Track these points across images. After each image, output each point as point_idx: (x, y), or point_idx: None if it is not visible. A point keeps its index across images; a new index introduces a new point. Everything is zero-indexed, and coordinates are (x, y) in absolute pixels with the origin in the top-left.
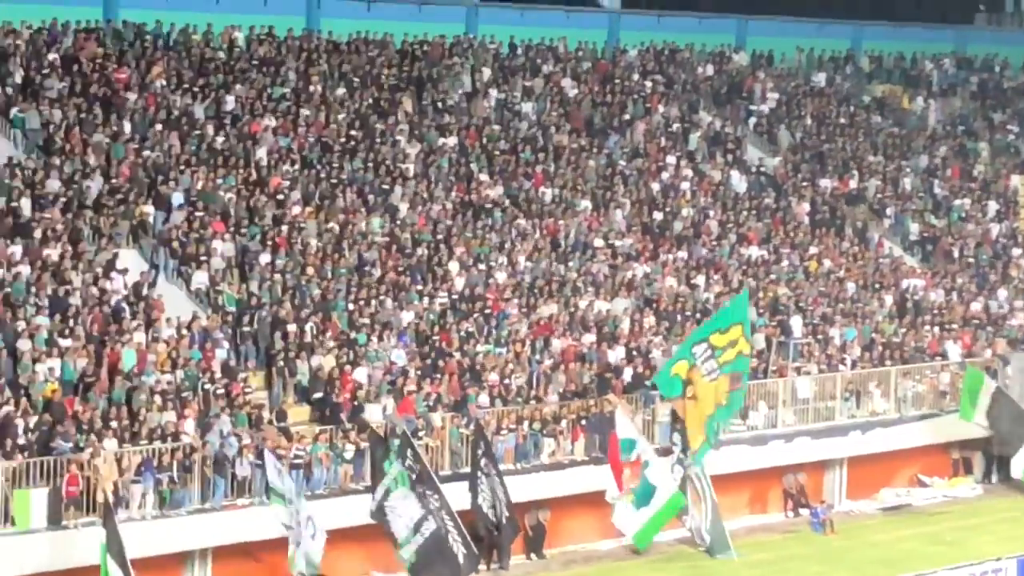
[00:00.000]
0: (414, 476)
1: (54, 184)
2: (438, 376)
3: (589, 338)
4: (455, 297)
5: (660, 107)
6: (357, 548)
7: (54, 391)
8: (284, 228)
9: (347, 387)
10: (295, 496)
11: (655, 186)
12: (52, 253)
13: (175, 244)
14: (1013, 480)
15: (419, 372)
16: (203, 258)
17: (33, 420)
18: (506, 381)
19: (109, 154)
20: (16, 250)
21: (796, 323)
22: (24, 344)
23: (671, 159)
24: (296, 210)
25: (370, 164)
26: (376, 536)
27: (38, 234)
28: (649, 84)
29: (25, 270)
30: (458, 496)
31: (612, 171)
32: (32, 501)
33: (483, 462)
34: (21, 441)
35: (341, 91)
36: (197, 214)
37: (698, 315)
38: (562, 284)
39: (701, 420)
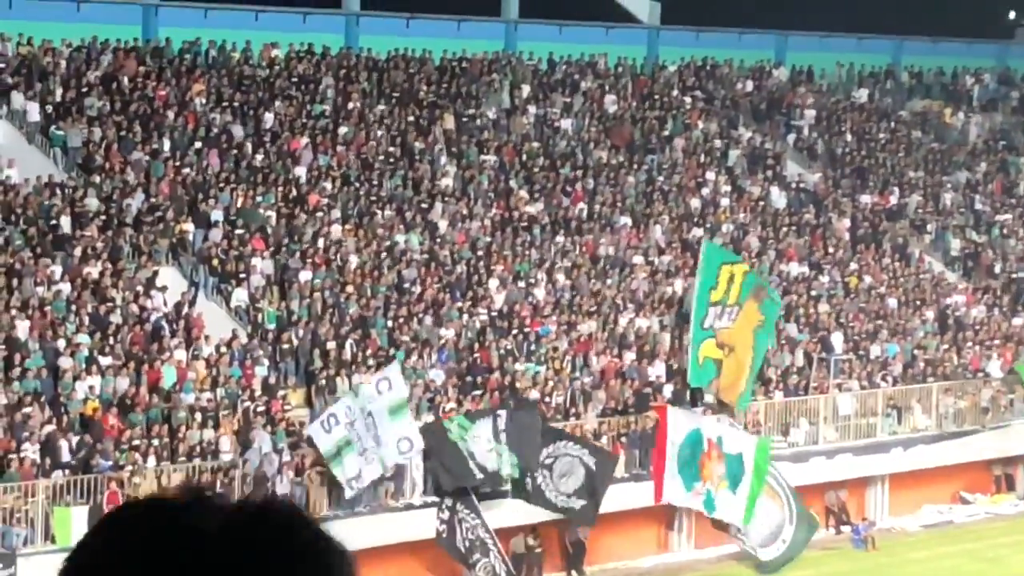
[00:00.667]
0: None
1: (93, 202)
2: (477, 393)
3: (629, 355)
4: (494, 315)
5: (699, 123)
6: (398, 566)
7: (94, 409)
8: (323, 245)
9: None
10: (360, 432)
11: (694, 202)
12: (92, 271)
13: (215, 262)
14: None
15: (457, 389)
16: (242, 276)
17: (74, 438)
18: (546, 399)
19: (148, 172)
20: (56, 268)
21: (837, 339)
22: (65, 362)
23: (710, 175)
24: (335, 228)
25: (409, 181)
26: (420, 551)
27: (78, 252)
28: (688, 100)
29: (65, 288)
30: (499, 513)
31: (651, 187)
32: (73, 519)
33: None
34: (62, 459)
35: (380, 108)
36: (236, 232)
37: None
38: (601, 301)
39: (740, 370)
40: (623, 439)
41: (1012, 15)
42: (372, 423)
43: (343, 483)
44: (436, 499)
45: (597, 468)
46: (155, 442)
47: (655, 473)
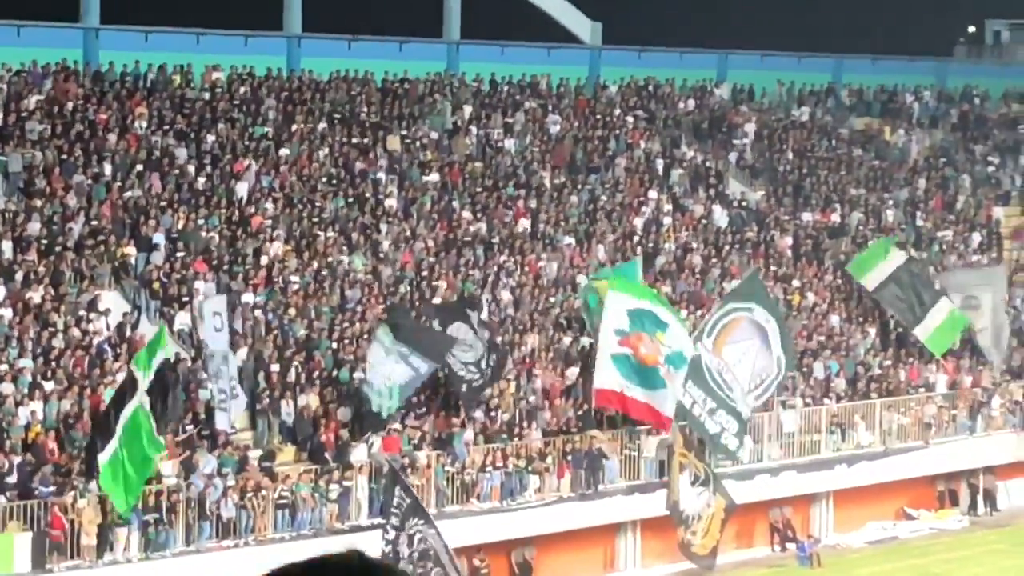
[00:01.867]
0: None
1: (35, 226)
2: (421, 412)
3: (573, 372)
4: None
5: (642, 142)
6: None
7: (37, 434)
8: (266, 267)
9: (331, 427)
10: None
11: (637, 221)
12: (34, 295)
13: (156, 285)
14: (999, 511)
15: (403, 410)
16: (185, 298)
17: (15, 463)
18: (491, 416)
19: (90, 195)
20: None
21: None
22: (7, 387)
23: (653, 194)
24: (278, 248)
25: (353, 202)
26: None
27: (20, 276)
28: (630, 119)
29: (7, 313)
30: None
31: (594, 206)
32: (16, 545)
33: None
34: (4, 484)
35: (323, 129)
36: (179, 254)
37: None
38: (545, 320)
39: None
40: (568, 459)
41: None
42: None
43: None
44: (382, 520)
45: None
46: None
47: (648, 418)
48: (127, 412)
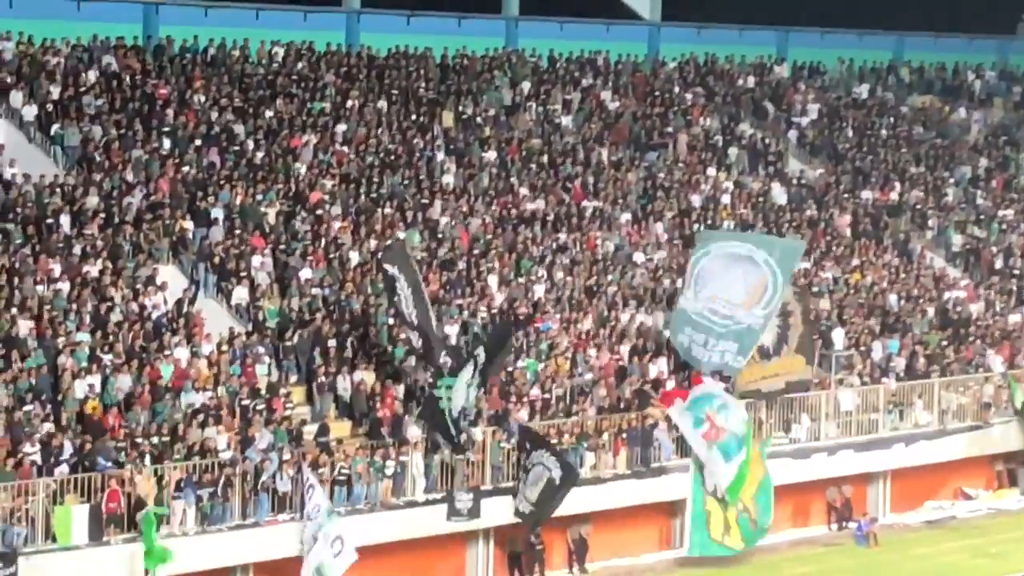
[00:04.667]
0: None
1: (93, 200)
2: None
3: (628, 351)
4: (495, 311)
5: (700, 119)
6: (399, 563)
7: (94, 408)
8: (323, 243)
9: (387, 402)
10: (323, 514)
11: (695, 199)
12: (92, 269)
13: (215, 259)
14: None
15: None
16: (243, 273)
17: (74, 437)
18: (546, 395)
19: (148, 170)
20: (56, 267)
21: (838, 335)
22: (65, 360)
23: (711, 171)
24: (336, 225)
25: (410, 179)
26: (414, 550)
27: (78, 250)
28: (689, 96)
29: (65, 287)
30: (501, 511)
31: (652, 184)
32: (73, 517)
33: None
34: (63, 458)
35: (381, 105)
36: (236, 230)
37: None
38: (602, 297)
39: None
40: (623, 436)
41: None
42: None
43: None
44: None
45: (561, 480)
46: (155, 440)
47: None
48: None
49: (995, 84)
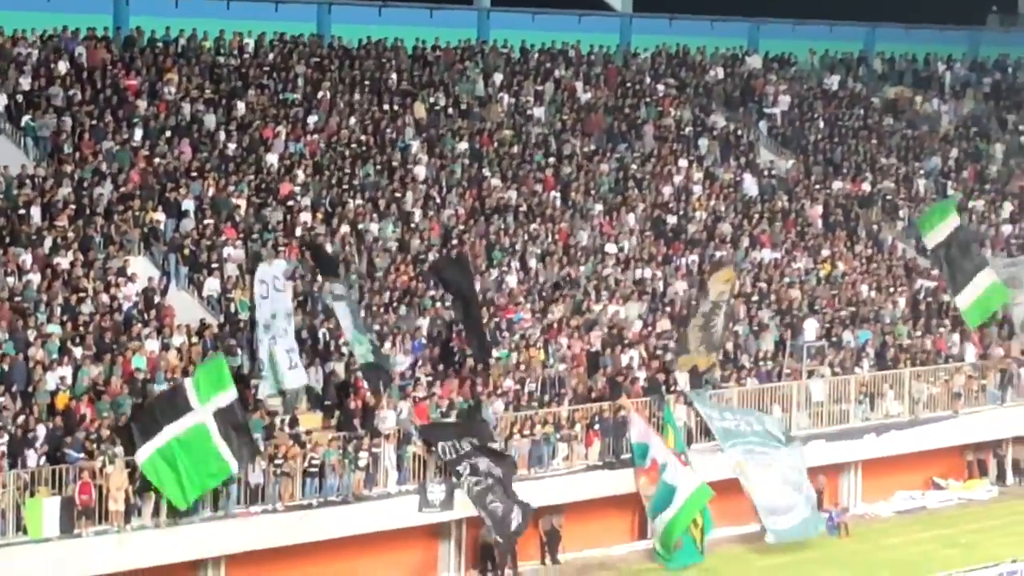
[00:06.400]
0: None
1: (64, 192)
2: (450, 380)
3: (600, 341)
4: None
5: (672, 110)
6: (372, 555)
7: (67, 400)
8: (295, 234)
9: (360, 393)
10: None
11: (667, 190)
12: (63, 261)
13: (186, 251)
14: None
15: (431, 377)
16: (214, 265)
17: (44, 429)
18: (517, 387)
19: (119, 161)
20: (27, 258)
21: (810, 326)
22: (35, 352)
23: (683, 162)
24: (307, 216)
25: (382, 170)
26: (386, 542)
27: (49, 242)
28: (661, 87)
29: (36, 278)
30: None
31: (624, 175)
32: (45, 510)
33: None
34: (33, 450)
35: (352, 96)
36: (208, 221)
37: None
38: (574, 288)
39: None
40: (595, 427)
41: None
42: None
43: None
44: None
45: (504, 475)
46: None
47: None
48: (185, 427)
49: (966, 75)
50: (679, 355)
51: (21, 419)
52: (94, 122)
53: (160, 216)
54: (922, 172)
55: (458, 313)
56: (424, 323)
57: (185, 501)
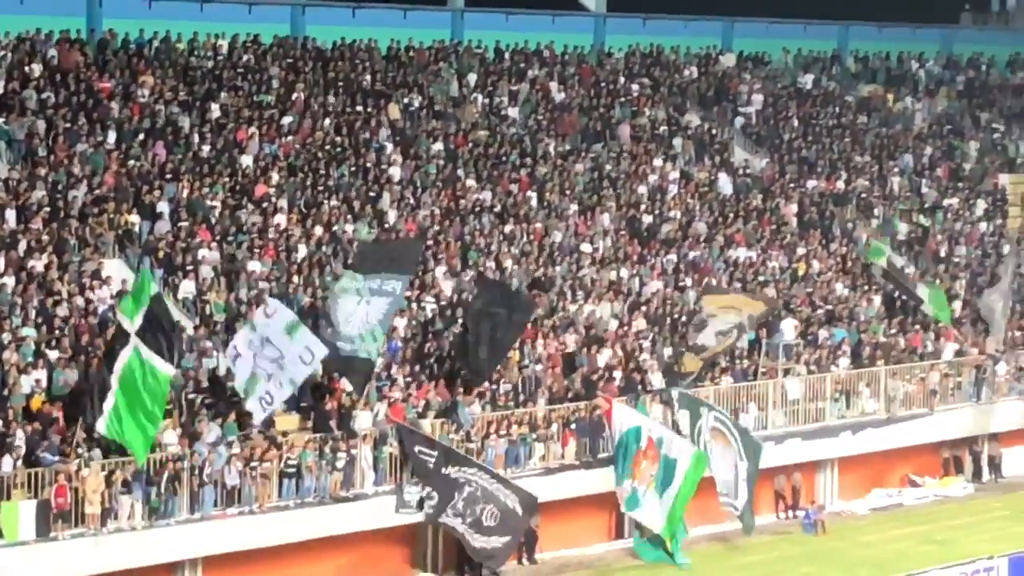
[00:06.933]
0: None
1: (38, 194)
2: (427, 381)
3: (576, 341)
4: (443, 303)
5: (646, 110)
6: (348, 556)
7: (41, 403)
8: (270, 236)
9: (337, 394)
10: (262, 363)
11: (642, 189)
12: (37, 264)
13: (161, 253)
14: (1004, 479)
15: (408, 378)
16: (189, 267)
17: (20, 432)
18: (494, 386)
19: (94, 164)
20: (1, 261)
21: (788, 325)
22: (10, 355)
23: (658, 162)
24: (282, 218)
25: (356, 171)
26: (363, 542)
27: (23, 245)
28: (635, 87)
29: (10, 281)
30: None
31: (599, 174)
32: (21, 513)
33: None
34: (10, 455)
35: (327, 98)
36: (183, 223)
37: (684, 317)
38: (549, 288)
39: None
40: (572, 427)
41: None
42: (272, 347)
43: (254, 410)
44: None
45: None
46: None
47: None
48: (122, 362)
49: (939, 73)
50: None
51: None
52: (68, 125)
53: (135, 218)
54: (896, 170)
55: (480, 332)
56: (401, 323)
57: (147, 443)
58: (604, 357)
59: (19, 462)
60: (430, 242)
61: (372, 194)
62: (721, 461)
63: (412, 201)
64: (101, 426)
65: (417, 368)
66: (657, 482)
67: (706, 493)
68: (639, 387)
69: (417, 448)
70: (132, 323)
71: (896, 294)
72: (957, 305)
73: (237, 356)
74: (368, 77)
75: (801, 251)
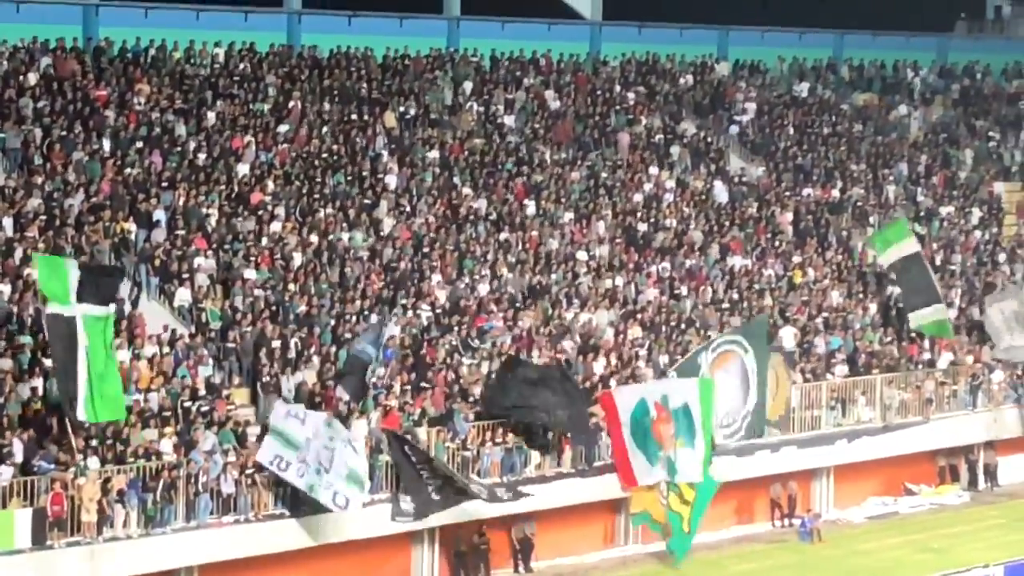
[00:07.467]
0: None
1: (34, 202)
2: (423, 390)
3: (572, 349)
4: (439, 311)
5: (642, 118)
6: (340, 564)
7: (37, 410)
8: (266, 244)
9: (331, 402)
10: (324, 426)
11: (637, 197)
12: (33, 272)
13: (157, 261)
14: (1000, 487)
15: (404, 387)
16: (185, 275)
17: (16, 440)
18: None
19: (90, 172)
20: None
21: (787, 333)
22: (6, 363)
23: (653, 170)
24: (278, 226)
25: (352, 179)
26: (359, 550)
27: (19, 253)
28: (631, 95)
29: (6, 289)
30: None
31: (595, 183)
32: (16, 521)
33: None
34: (6, 464)
35: (323, 106)
36: (179, 231)
37: (682, 325)
38: (545, 296)
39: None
40: (567, 434)
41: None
42: (316, 442)
43: (327, 503)
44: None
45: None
46: (97, 443)
47: (618, 461)
48: (83, 344)
49: (934, 81)
50: None
51: None
52: (64, 133)
53: (131, 226)
54: (892, 178)
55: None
56: (393, 331)
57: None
58: (600, 365)
59: (15, 470)
60: (426, 249)
61: (368, 202)
62: (723, 387)
63: (408, 209)
64: (81, 414)
65: (414, 376)
66: (682, 436)
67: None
68: None
69: (406, 449)
70: (69, 303)
71: (893, 301)
72: (952, 312)
73: (283, 469)
74: (364, 85)
75: (797, 259)
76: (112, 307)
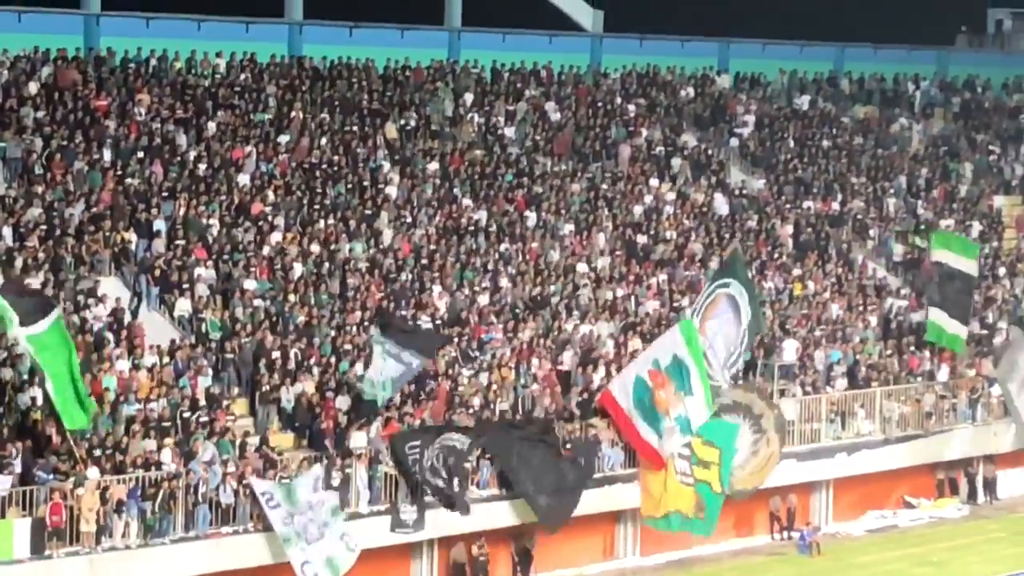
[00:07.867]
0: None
1: (35, 212)
2: (423, 400)
3: (572, 361)
4: (439, 322)
5: (643, 130)
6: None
7: (36, 420)
8: (266, 254)
9: (329, 413)
10: (328, 511)
11: (638, 209)
12: (34, 281)
13: (157, 271)
14: (999, 500)
15: (404, 397)
16: (185, 285)
17: (15, 449)
18: (491, 406)
19: (90, 182)
20: None
21: (789, 346)
22: (7, 373)
23: (654, 182)
24: (278, 236)
25: (353, 189)
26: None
27: (20, 262)
28: (632, 107)
29: None
30: (446, 522)
31: (595, 194)
32: (15, 531)
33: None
34: (5, 474)
35: (323, 116)
36: (179, 241)
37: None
38: (545, 307)
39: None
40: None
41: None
42: (313, 515)
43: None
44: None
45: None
46: (97, 453)
47: (640, 451)
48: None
49: (935, 95)
50: None
51: None
52: (65, 142)
53: (131, 236)
54: (892, 191)
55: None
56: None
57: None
58: (600, 376)
59: (14, 480)
60: (425, 260)
61: (368, 213)
62: (719, 330)
63: (408, 220)
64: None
65: (413, 387)
66: (681, 389)
67: None
68: None
69: (408, 445)
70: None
71: (893, 314)
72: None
73: (272, 506)
74: (365, 96)
75: (797, 272)
76: (53, 314)
